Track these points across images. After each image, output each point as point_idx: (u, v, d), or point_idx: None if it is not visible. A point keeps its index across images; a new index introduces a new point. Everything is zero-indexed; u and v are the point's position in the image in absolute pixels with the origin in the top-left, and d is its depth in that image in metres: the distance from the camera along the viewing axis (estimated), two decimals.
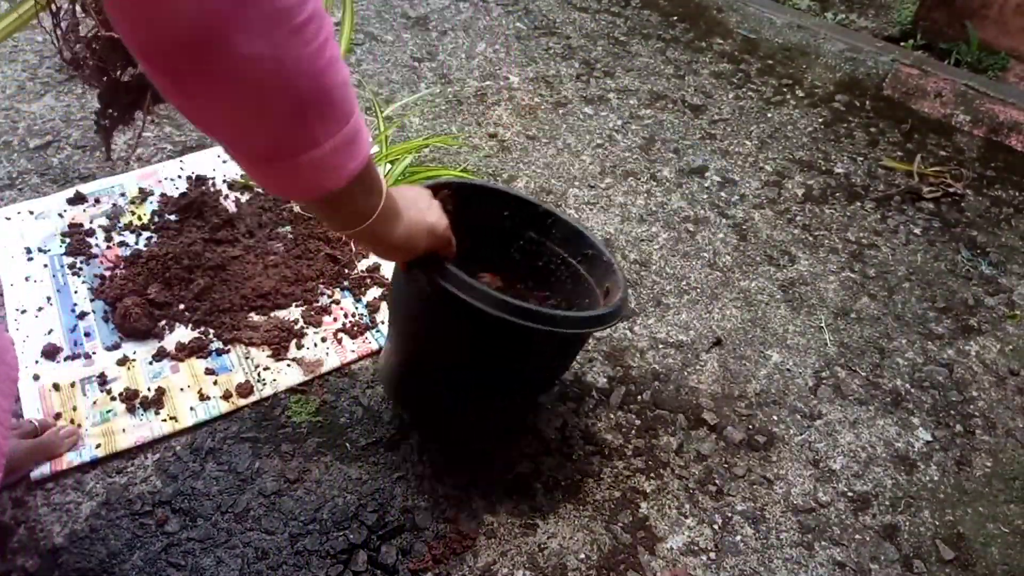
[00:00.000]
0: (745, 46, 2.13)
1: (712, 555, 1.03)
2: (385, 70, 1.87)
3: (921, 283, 1.48)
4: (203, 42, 0.45)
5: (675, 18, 2.22)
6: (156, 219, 1.35)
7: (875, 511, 1.10)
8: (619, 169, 1.66)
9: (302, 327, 1.22)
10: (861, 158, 1.77)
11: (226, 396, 1.11)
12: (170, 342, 1.17)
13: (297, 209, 1.39)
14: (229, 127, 0.53)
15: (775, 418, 1.21)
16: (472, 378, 0.98)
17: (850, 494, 1.12)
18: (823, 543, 1.06)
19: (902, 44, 2.23)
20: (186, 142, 1.56)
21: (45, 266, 1.26)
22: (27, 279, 1.23)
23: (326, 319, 1.24)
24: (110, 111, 1.15)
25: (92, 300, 1.21)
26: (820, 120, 1.87)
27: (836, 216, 1.61)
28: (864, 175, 1.72)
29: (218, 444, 1.07)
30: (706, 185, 1.65)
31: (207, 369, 1.14)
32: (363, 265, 1.34)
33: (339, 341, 1.21)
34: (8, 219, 1.33)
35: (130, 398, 1.08)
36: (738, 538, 1.05)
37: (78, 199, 1.38)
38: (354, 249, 1.36)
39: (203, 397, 1.10)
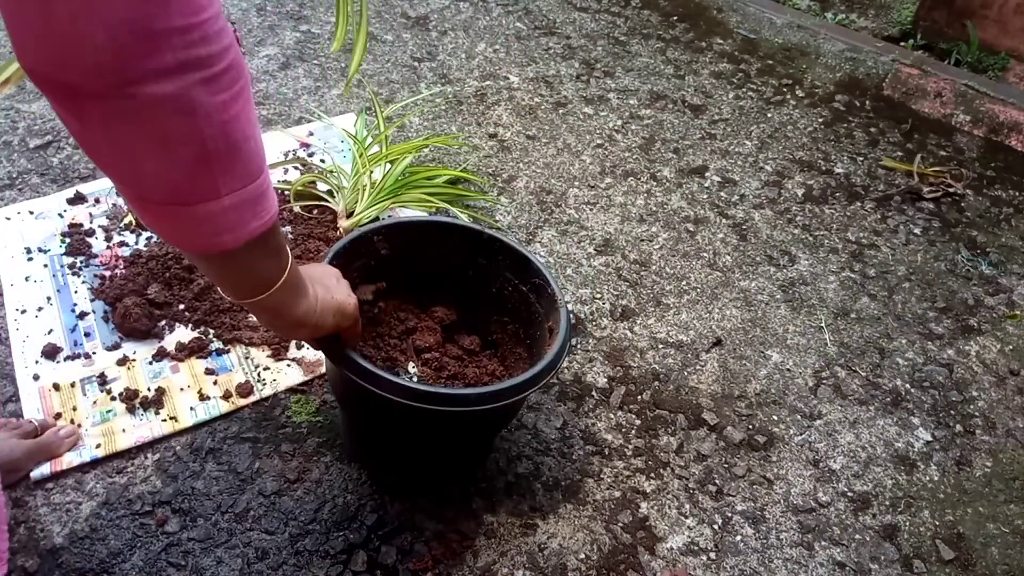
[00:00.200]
0: (745, 46, 2.13)
1: (712, 555, 1.03)
2: (385, 70, 1.87)
3: (921, 283, 1.48)
4: (110, 79, 0.43)
5: (675, 18, 2.22)
6: None
7: (875, 511, 1.10)
8: (619, 169, 1.66)
9: None
10: (861, 158, 1.77)
11: (226, 396, 1.11)
12: (170, 342, 1.17)
13: (297, 209, 1.39)
14: (121, 164, 0.50)
15: (775, 418, 1.21)
16: (410, 447, 0.98)
17: (850, 494, 1.12)
18: (823, 543, 1.06)
19: (902, 44, 2.23)
20: None
21: (45, 266, 1.26)
22: (27, 279, 1.23)
23: None
24: None
25: (92, 300, 1.21)
26: (820, 120, 1.88)
27: (836, 216, 1.61)
28: (864, 175, 1.72)
29: (218, 444, 1.07)
30: (706, 185, 1.65)
31: (207, 369, 1.14)
32: None
33: None
34: (8, 219, 1.33)
35: (130, 398, 1.08)
36: (738, 538, 1.05)
37: (78, 199, 1.38)
38: None
39: (203, 397, 1.10)
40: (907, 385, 1.28)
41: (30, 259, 1.27)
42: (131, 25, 0.41)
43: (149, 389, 1.10)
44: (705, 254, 1.48)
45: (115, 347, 1.15)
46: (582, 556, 1.00)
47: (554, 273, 1.37)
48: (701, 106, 1.88)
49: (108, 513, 0.98)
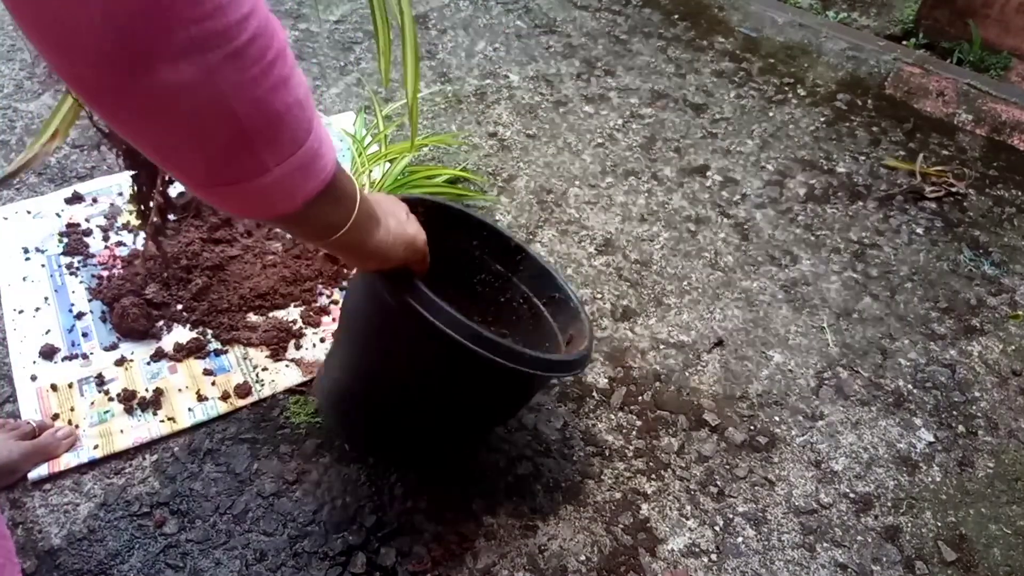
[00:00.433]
0: (747, 45, 2.12)
1: (713, 557, 1.02)
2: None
3: (923, 283, 1.47)
4: (122, 69, 0.40)
5: (676, 16, 2.21)
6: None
7: (877, 512, 1.09)
8: (620, 168, 1.66)
9: (301, 327, 1.21)
10: (863, 157, 1.76)
11: (224, 397, 1.10)
12: (168, 342, 1.16)
13: None
14: (160, 153, 0.47)
15: (777, 419, 1.20)
16: (425, 403, 0.92)
17: (852, 495, 1.11)
18: (825, 544, 1.05)
19: (904, 43, 2.22)
20: None
21: (43, 266, 1.25)
22: (24, 279, 1.23)
23: (325, 319, 1.23)
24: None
25: (90, 300, 1.21)
26: (822, 119, 1.87)
27: (838, 216, 1.60)
28: (866, 174, 1.71)
29: (216, 445, 1.06)
30: (707, 184, 1.64)
31: (205, 370, 1.14)
32: None
33: None
34: (5, 219, 1.32)
35: (128, 399, 1.08)
36: (739, 539, 1.04)
37: (76, 199, 1.37)
38: None
39: (201, 398, 1.10)
40: (909, 386, 1.28)
41: (27, 259, 1.26)
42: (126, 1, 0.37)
43: (147, 390, 1.10)
44: (706, 254, 1.48)
45: (113, 347, 1.15)
46: (583, 558, 1.00)
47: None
48: (702, 105, 1.88)
49: (106, 514, 0.97)
